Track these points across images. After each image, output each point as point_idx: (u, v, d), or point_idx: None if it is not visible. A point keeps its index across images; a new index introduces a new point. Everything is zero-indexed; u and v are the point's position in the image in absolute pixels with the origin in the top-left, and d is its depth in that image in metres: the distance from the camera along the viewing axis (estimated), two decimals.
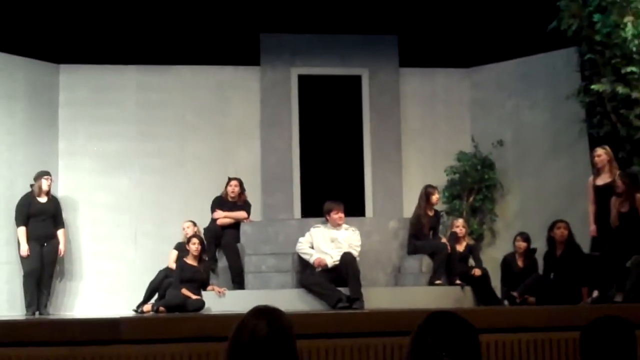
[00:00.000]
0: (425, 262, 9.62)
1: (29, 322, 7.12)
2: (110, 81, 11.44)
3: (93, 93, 11.39)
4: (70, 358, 5.26)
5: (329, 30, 11.72)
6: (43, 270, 10.18)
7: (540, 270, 9.49)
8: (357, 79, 11.92)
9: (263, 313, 2.77)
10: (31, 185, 10.31)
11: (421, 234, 9.86)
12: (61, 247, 10.40)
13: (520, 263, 9.84)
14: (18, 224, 10.19)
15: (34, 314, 9.92)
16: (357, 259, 9.08)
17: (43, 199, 10.27)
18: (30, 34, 10.89)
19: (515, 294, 9.32)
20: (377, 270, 9.73)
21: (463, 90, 12.16)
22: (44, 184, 10.27)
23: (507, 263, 9.99)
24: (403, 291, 9.29)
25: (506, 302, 9.42)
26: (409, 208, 10.77)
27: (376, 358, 5.61)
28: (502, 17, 11.40)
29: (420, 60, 12.02)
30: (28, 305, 10.01)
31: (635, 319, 3.51)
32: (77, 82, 11.36)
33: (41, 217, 10.24)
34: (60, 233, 10.40)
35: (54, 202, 10.41)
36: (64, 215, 10.55)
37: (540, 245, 9.66)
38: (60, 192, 10.88)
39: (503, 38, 11.64)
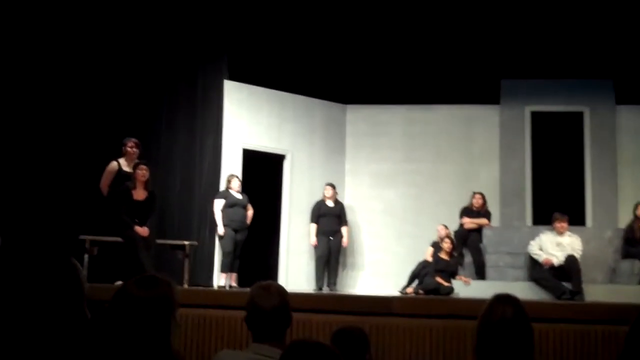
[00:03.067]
0: (637, 265, 9.00)
1: (320, 296, 7.39)
2: (383, 117, 11.66)
3: (370, 126, 11.66)
4: (352, 324, 5.43)
5: (556, 76, 11.27)
6: (330, 256, 10.56)
7: None
8: (580, 115, 11.35)
9: (508, 300, 2.73)
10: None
11: (634, 241, 9.25)
12: (344, 240, 10.73)
13: None
14: (311, 221, 10.67)
15: (320, 289, 10.30)
16: (579, 260, 8.69)
17: (331, 203, 10.66)
18: (326, 82, 11.35)
19: None
20: (595, 270, 9.23)
21: None
22: (327, 192, 10.66)
23: None
24: (617, 288, 8.74)
25: None
26: (623, 221, 10.15)
27: (595, 343, 5.34)
28: None
29: (634, 99, 11.29)
30: (317, 282, 10.43)
31: None
32: (359, 118, 11.69)
33: (328, 216, 10.63)
34: (344, 230, 10.68)
35: (339, 205, 10.75)
36: (348, 216, 10.91)
37: None
38: (346, 200, 11.20)
39: None
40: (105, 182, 8.18)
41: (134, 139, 8.28)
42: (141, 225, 7.60)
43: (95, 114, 9.38)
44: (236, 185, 9.54)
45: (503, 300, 2.69)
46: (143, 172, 7.80)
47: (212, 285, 9.43)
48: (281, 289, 3.01)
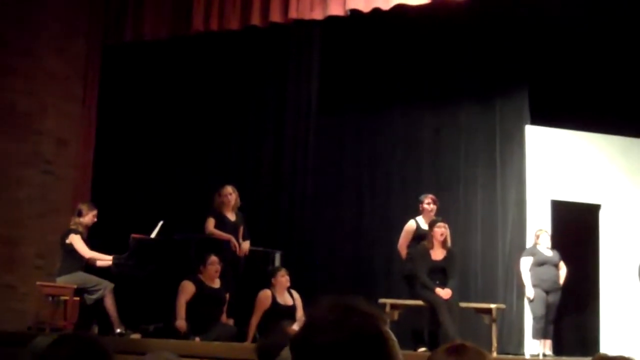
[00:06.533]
0: None
1: None
2: None
3: None
4: None
5: None
6: None
7: None
8: None
9: None
10: None
11: None
12: None
13: None
14: None
15: None
16: None
17: None
18: None
19: None
20: None
21: None
22: None
23: None
24: None
25: None
26: None
27: None
28: None
29: None
30: None
31: None
32: None
33: None
34: None
35: None
36: None
37: None
38: None
39: None
40: (403, 243, 8.40)
41: (431, 195, 8.46)
42: (442, 287, 7.65)
43: (393, 170, 9.90)
44: (545, 241, 9.24)
45: None
46: (441, 230, 7.89)
47: (523, 354, 9.17)
48: None
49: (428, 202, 8.39)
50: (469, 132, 10.03)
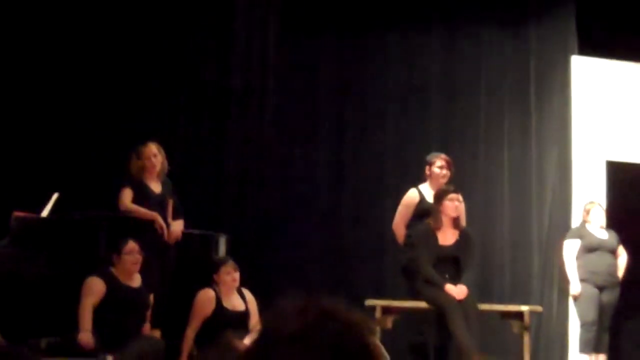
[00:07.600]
0: None
1: None
2: None
3: None
4: None
5: None
6: None
7: None
8: None
9: None
10: None
11: None
12: None
13: None
14: None
15: None
16: None
17: None
18: None
19: None
20: None
21: None
22: None
23: None
24: None
25: None
26: None
27: None
28: None
29: None
30: None
31: None
32: None
33: None
34: None
35: None
36: None
37: None
38: None
39: None
40: (400, 221, 8.29)
41: (444, 156, 8.34)
42: (455, 283, 7.59)
43: (387, 116, 10.03)
44: (598, 218, 9.14)
45: None
46: (454, 205, 7.84)
47: None
48: None
49: (440, 165, 8.26)
50: (494, 64, 9.93)
